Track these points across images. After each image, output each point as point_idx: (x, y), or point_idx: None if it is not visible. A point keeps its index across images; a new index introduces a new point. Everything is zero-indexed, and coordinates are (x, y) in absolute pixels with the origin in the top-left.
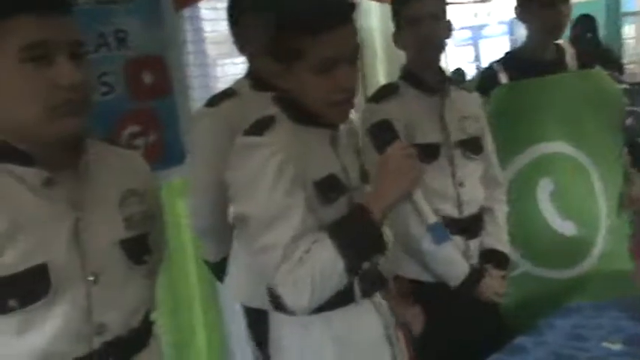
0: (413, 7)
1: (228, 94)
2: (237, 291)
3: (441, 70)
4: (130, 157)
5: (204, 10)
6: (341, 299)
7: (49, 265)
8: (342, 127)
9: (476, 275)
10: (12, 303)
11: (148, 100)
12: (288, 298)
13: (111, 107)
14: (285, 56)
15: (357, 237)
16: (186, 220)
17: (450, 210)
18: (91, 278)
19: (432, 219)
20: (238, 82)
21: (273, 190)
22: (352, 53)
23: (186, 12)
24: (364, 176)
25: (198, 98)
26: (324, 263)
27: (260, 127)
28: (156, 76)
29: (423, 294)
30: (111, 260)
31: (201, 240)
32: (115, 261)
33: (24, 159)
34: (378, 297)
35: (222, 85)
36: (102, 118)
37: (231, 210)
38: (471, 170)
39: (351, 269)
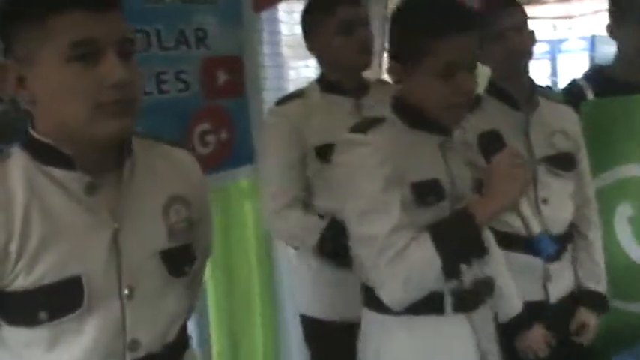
0: (497, 22)
1: (296, 94)
2: (298, 299)
3: (529, 83)
4: (178, 158)
5: (282, 13)
6: (428, 307)
7: (83, 278)
8: (456, 136)
9: (523, 322)
10: (42, 315)
11: (220, 98)
12: (384, 290)
13: (186, 104)
14: (408, 58)
15: (458, 239)
16: (252, 221)
17: (530, 230)
18: (126, 292)
19: (537, 229)
20: (310, 84)
21: (371, 186)
22: (473, 60)
23: (264, 14)
24: (479, 188)
25: (271, 100)
26: (422, 260)
27: (366, 125)
28: (230, 76)
29: None
30: (148, 273)
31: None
32: (153, 273)
33: (67, 163)
34: (478, 314)
35: (294, 88)
36: (177, 114)
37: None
38: (557, 188)
39: (449, 270)
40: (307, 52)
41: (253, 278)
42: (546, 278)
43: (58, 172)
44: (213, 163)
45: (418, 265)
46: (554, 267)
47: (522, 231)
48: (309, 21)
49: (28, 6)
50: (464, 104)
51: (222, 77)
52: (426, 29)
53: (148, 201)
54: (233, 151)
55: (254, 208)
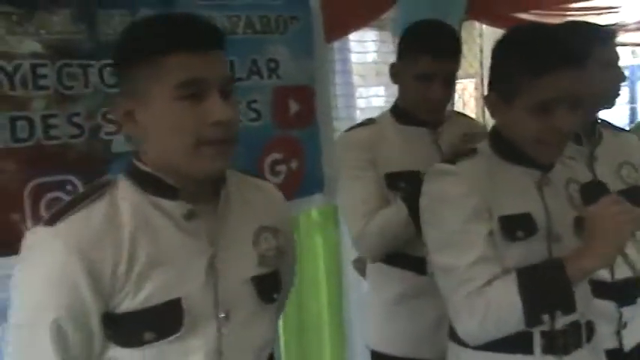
0: (606, 53)
1: (366, 123)
2: (368, 334)
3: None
4: (267, 190)
5: (353, 42)
6: (515, 346)
7: (183, 300)
8: (558, 172)
9: None
10: (148, 336)
11: (292, 128)
12: (459, 323)
13: (257, 134)
14: (506, 92)
15: (544, 290)
16: (322, 252)
17: (600, 272)
18: (223, 315)
19: None
20: (383, 114)
21: (454, 216)
22: (575, 98)
23: (336, 43)
24: (579, 226)
25: (342, 128)
26: (503, 301)
27: (457, 156)
28: (301, 106)
29: None
30: (242, 297)
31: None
32: (246, 298)
33: (170, 192)
34: (573, 358)
35: (364, 116)
36: (249, 143)
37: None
38: None
39: (530, 318)
40: (378, 81)
41: (323, 310)
42: (620, 325)
43: (161, 201)
44: (283, 193)
45: (498, 306)
46: (628, 313)
47: (596, 275)
48: (399, 51)
49: (142, 45)
50: (557, 142)
51: (293, 107)
52: (523, 66)
53: (241, 228)
54: (303, 181)
55: (324, 239)
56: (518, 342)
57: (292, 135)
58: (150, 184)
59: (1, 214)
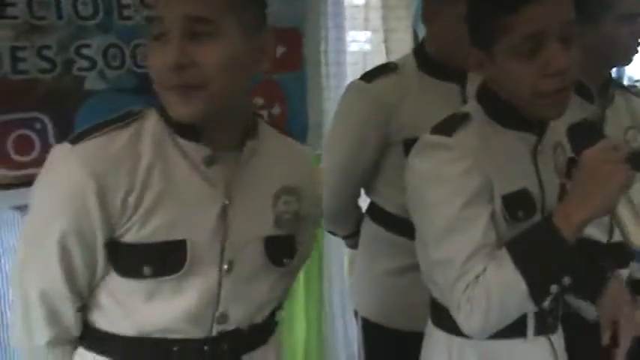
0: (623, 4)
1: (388, 69)
2: (362, 302)
3: (607, 74)
4: (297, 151)
5: None
6: (508, 330)
7: (188, 243)
8: (549, 136)
9: None
10: (146, 270)
11: (275, 72)
12: (462, 320)
13: None
14: (484, 39)
15: (542, 255)
16: None
17: (598, 235)
18: (226, 266)
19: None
20: (405, 57)
21: (454, 199)
22: (564, 29)
23: None
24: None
25: (331, 74)
26: (503, 283)
27: (450, 125)
28: (288, 49)
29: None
30: (249, 254)
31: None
32: (254, 256)
33: (191, 134)
34: (557, 335)
35: (353, 61)
36: None
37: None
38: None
39: (537, 293)
40: (365, 25)
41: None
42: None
43: (183, 141)
44: None
45: (499, 290)
46: (622, 274)
47: (599, 237)
48: None
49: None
50: (557, 90)
51: (279, 50)
52: (494, 3)
53: (261, 185)
54: (286, 127)
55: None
56: (512, 326)
57: (276, 79)
58: (175, 122)
59: None
